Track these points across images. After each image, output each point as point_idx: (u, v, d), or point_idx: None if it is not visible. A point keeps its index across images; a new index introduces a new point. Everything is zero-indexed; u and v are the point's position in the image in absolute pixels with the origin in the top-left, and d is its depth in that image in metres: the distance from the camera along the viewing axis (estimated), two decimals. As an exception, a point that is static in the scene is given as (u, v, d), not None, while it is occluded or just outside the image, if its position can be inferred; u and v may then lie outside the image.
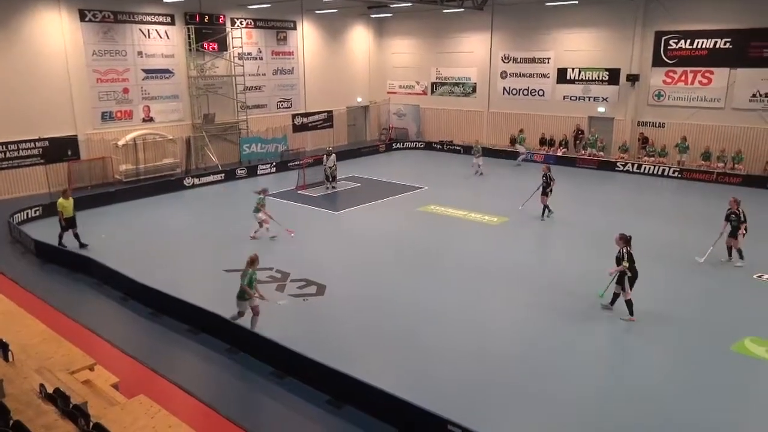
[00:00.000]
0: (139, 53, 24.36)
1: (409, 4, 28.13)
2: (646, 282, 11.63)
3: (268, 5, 26.84)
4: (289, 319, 11.79)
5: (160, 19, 24.83)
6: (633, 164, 25.60)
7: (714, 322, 11.27)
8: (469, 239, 16.63)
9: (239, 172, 25.28)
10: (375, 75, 35.19)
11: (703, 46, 24.38)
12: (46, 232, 16.51)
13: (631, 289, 11.15)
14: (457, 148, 30.92)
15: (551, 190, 18.11)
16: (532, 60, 29.37)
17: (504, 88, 30.68)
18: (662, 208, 20.42)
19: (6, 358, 6.96)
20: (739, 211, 13.99)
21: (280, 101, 30.29)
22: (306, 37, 30.90)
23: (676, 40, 25.01)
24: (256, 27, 28.52)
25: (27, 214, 18.29)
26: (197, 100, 26.28)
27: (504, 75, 30.56)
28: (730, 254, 14.31)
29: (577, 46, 27.76)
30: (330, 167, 22.77)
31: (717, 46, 24.05)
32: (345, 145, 32.41)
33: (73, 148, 22.79)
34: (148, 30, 24.52)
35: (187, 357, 10.30)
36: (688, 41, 24.68)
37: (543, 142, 29.00)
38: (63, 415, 5.87)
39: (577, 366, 9.74)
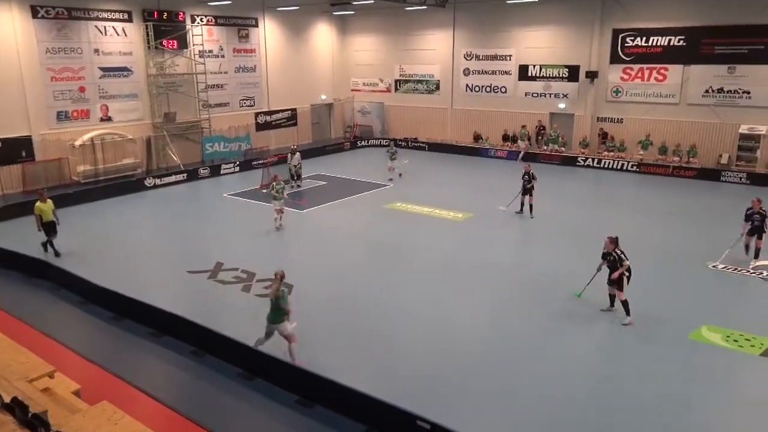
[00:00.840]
0: (96, 51, 23.70)
1: (372, 1, 28.13)
2: (606, 274, 11.90)
3: (229, 2, 26.45)
4: (256, 319, 11.66)
5: (117, 15, 24.20)
6: (593, 159, 26.18)
7: (672, 312, 11.61)
8: (436, 236, 16.75)
9: (202, 171, 24.90)
10: (338, 73, 35.07)
11: (659, 44, 25.07)
12: (0, 235, 15.99)
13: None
14: (422, 145, 31.08)
15: (533, 188, 17.79)
16: (494, 57, 29.71)
17: (467, 85, 30.97)
18: (622, 201, 20.95)
19: (-41, 368, 6.70)
20: (763, 210, 13.74)
21: (243, 99, 29.92)
22: (268, 34, 30.57)
23: (632, 38, 25.65)
24: (216, 24, 28.08)
25: (-21, 218, 17.63)
26: (157, 98, 25.73)
27: (467, 72, 30.83)
28: (747, 252, 14.18)
29: (538, 43, 28.20)
30: (295, 165, 22.64)
31: (671, 43, 24.76)
32: (309, 144, 32.23)
33: (28, 149, 22.02)
34: (105, 27, 23.87)
35: (151, 361, 10.09)
36: (644, 39, 25.35)
37: (506, 138, 29.38)
38: (21, 425, 5.68)
39: (542, 360, 9.92)
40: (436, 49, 31.58)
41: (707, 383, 9.27)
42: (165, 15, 25.31)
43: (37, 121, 22.22)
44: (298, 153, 22.91)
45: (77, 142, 22.75)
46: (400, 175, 23.55)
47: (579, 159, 26.47)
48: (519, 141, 28.53)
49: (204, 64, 26.99)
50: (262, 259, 14.55)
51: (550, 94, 28.37)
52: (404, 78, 33.29)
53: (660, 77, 25.34)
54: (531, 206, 18.04)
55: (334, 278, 13.66)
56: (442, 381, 9.26)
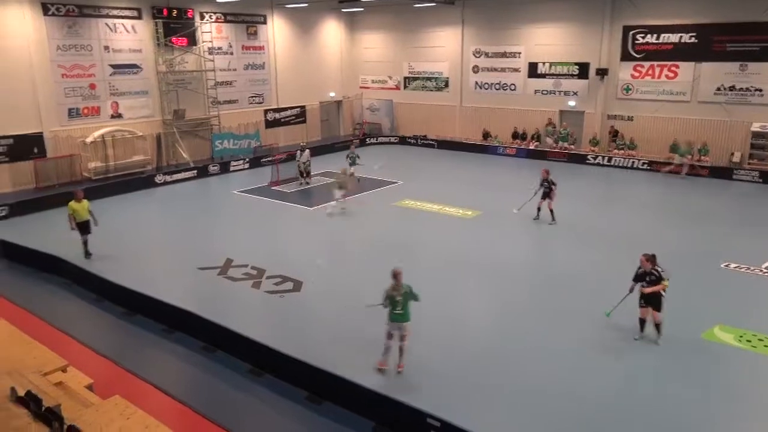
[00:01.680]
0: (106, 48, 23.82)
1: (381, -1, 28.15)
2: (621, 274, 11.83)
3: (238, -1, 26.55)
4: (266, 316, 11.72)
5: (127, 13, 24.31)
6: (603, 157, 26.04)
7: (685, 311, 11.52)
8: (445, 233, 16.73)
9: (211, 168, 24.99)
10: (347, 70, 35.07)
11: (669, 41, 24.88)
12: (13, 232, 16.13)
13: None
14: (431, 142, 31.03)
15: (550, 193, 17.15)
16: (504, 54, 29.60)
17: (476, 83, 30.88)
18: (633, 200, 20.80)
19: (-26, 362, 6.79)
20: None
21: (252, 96, 29.98)
22: (277, 31, 30.61)
23: (643, 35, 25.48)
24: (226, 21, 28.15)
25: (-8, 214, 17.80)
26: (167, 95, 25.84)
27: (476, 69, 30.74)
28: None
29: (548, 40, 28.07)
30: (303, 163, 22.67)
31: (682, 40, 24.57)
32: (318, 141, 32.26)
33: (39, 146, 22.20)
34: (115, 24, 23.99)
35: (163, 356, 10.17)
36: (655, 36, 25.17)
37: (515, 135, 29.29)
38: (36, 418, 5.75)
39: (552, 359, 9.89)
40: (445, 46, 31.50)
41: (718, 382, 9.21)
42: (174, 12, 25.40)
43: (48, 118, 22.37)
44: (307, 150, 22.95)
45: (88, 139, 22.89)
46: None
47: (589, 157, 26.34)
48: (547, 138, 28.02)
49: (213, 61, 27.07)
50: (271, 256, 14.61)
51: (560, 92, 28.24)
52: (413, 75, 33.23)
53: (671, 74, 25.16)
54: (551, 211, 17.25)
55: (342, 275, 13.69)
56: (451, 379, 9.26)
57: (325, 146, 29.81)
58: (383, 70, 34.33)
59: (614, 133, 26.68)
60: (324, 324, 11.25)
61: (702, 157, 24.18)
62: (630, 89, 26.29)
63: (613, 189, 22.78)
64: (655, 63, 25.40)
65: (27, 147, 21.84)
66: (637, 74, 25.97)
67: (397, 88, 34.00)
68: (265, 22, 29.97)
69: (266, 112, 30.59)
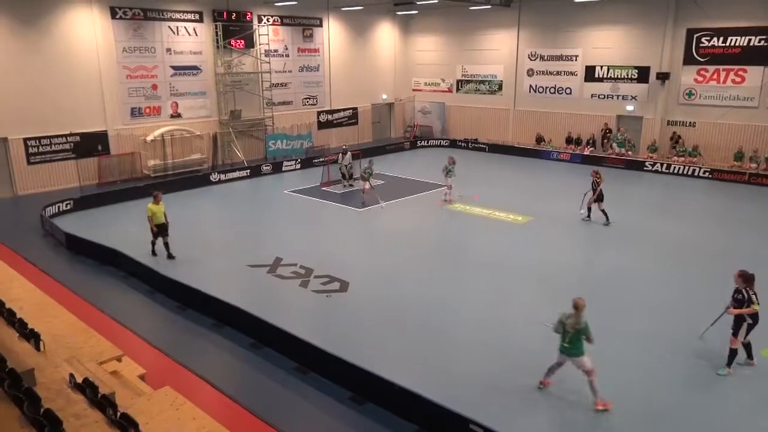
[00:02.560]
0: (168, 50, 24.71)
1: (436, 1, 28.05)
2: (680, 286, 11.41)
3: (295, 2, 26.98)
4: (313, 315, 11.86)
5: (189, 16, 25.14)
6: (662, 164, 25.12)
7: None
8: (495, 238, 16.51)
9: (264, 168, 25.49)
10: (400, 72, 35.14)
11: (737, 44, 23.79)
12: (77, 225, 16.90)
13: (745, 337, 9.32)
14: (482, 146, 30.72)
15: (597, 192, 17.20)
16: (560, 58, 29.00)
17: (530, 86, 30.36)
18: (695, 210, 19.98)
19: (37, 348, 7.13)
20: None
21: (306, 98, 30.45)
22: (332, 34, 30.99)
23: (708, 38, 24.45)
24: (282, 24, 28.70)
25: (59, 207, 18.68)
26: (224, 96, 26.56)
27: (530, 73, 30.24)
28: None
29: (606, 43, 27.32)
30: (346, 165, 22.80)
31: (751, 43, 23.45)
32: (370, 143, 32.44)
33: (103, 144, 23.23)
34: (177, 27, 24.85)
35: (212, 350, 10.41)
36: (721, 39, 24.11)
37: (570, 140, 28.64)
38: (92, 405, 5.98)
39: (602, 369, 9.58)
40: (499, 49, 31.12)
41: (781, 404, 8.73)
42: (234, 15, 26.10)
43: (112, 117, 23.38)
44: (349, 153, 23.10)
45: (149, 138, 23.78)
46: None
47: (647, 164, 25.47)
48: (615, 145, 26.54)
49: (269, 63, 27.63)
50: (319, 256, 14.76)
51: (618, 96, 27.44)
52: (466, 78, 32.98)
53: (738, 79, 24.05)
54: (603, 211, 17.21)
55: (389, 277, 13.69)
56: (497, 384, 9.11)
57: (376, 148, 29.92)
58: (436, 72, 34.22)
59: (676, 139, 25.70)
60: (368, 324, 11.28)
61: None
62: (693, 94, 25.28)
63: (673, 197, 21.91)
64: (721, 67, 24.33)
65: (92, 144, 22.89)
66: (701, 79, 24.95)
67: (450, 90, 33.81)
68: (320, 25, 30.39)
69: (319, 113, 31.00)
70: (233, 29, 26.21)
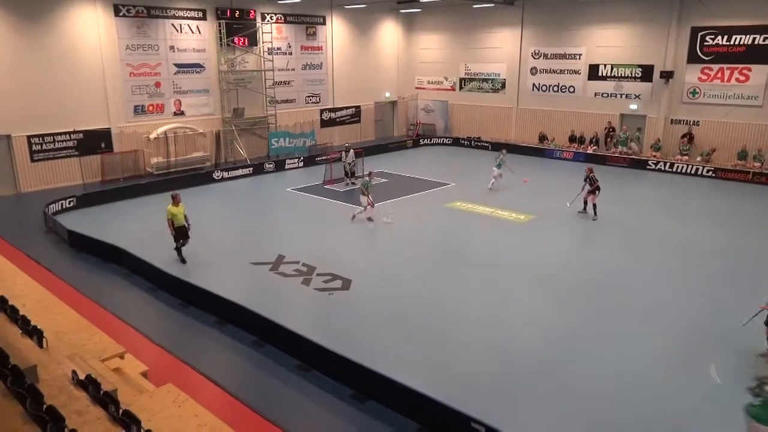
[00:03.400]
0: (171, 48, 24.72)
1: (439, -1, 28.04)
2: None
3: (298, 0, 26.95)
4: (315, 312, 11.88)
5: (192, 14, 25.15)
6: (665, 163, 25.05)
7: (754, 329, 10.94)
8: (497, 236, 16.50)
9: (267, 166, 25.50)
10: (403, 70, 35.12)
11: (742, 43, 23.71)
12: (80, 222, 16.93)
13: None
14: (485, 144, 30.68)
15: (596, 190, 17.60)
16: (563, 56, 28.94)
17: (534, 85, 30.32)
18: (698, 209, 19.93)
19: (40, 345, 7.15)
20: None
21: (309, 96, 30.45)
22: (335, 32, 30.98)
23: (712, 36, 24.37)
24: (286, 22, 28.70)
25: (62, 204, 18.72)
26: (227, 94, 26.58)
27: (534, 71, 30.18)
28: None
29: (610, 42, 27.25)
30: (349, 163, 22.77)
31: (756, 42, 23.36)
32: (372, 141, 32.43)
33: (107, 141, 23.27)
34: (180, 25, 24.86)
35: (214, 348, 10.43)
36: (726, 37, 24.03)
37: (573, 139, 28.60)
38: (94, 402, 6.00)
39: (604, 367, 9.59)
40: (502, 47, 31.07)
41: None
42: (237, 13, 26.11)
43: (116, 115, 23.41)
44: (351, 151, 23.08)
45: (152, 135, 23.81)
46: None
47: (650, 162, 25.40)
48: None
49: (272, 61, 27.64)
50: (322, 254, 14.77)
51: (621, 95, 27.38)
52: (469, 76, 32.94)
53: (742, 78, 23.96)
54: (594, 207, 17.66)
55: (391, 275, 13.70)
56: (498, 383, 9.12)
57: (379, 146, 29.92)
58: (439, 71, 34.18)
59: (690, 138, 25.50)
60: (370, 322, 11.29)
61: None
62: (697, 93, 25.21)
63: (677, 196, 21.86)
64: (725, 66, 24.26)
65: (95, 142, 22.93)
66: (705, 77, 24.88)
67: (453, 89, 33.78)
68: (324, 23, 30.38)
69: (322, 111, 31.00)
70: (236, 27, 26.21)
